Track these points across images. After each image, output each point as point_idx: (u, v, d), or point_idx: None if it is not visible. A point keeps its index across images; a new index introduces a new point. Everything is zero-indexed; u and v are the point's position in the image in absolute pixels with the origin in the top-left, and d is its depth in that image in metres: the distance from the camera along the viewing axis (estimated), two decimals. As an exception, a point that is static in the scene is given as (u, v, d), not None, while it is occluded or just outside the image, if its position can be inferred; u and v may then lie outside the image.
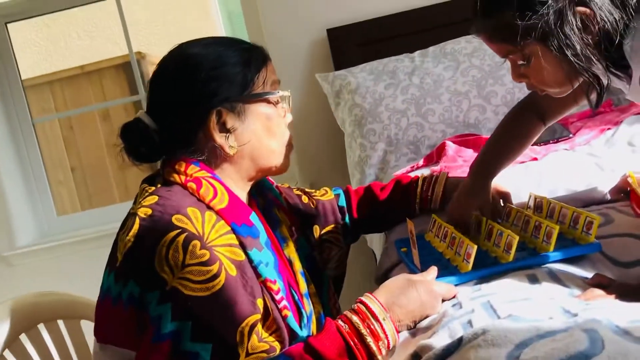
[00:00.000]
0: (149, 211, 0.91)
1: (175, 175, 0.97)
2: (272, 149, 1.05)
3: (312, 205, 1.27)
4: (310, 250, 1.18)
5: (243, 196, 1.06)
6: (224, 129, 0.99)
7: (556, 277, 0.99)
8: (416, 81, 1.96)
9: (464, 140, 1.72)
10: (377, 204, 1.34)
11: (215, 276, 0.88)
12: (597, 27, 0.96)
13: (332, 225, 1.28)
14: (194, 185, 0.96)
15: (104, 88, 4.32)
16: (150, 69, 4.60)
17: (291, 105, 1.10)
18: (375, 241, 1.68)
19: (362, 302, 0.93)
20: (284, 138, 1.07)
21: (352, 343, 0.89)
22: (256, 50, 1.05)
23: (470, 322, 0.85)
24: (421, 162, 1.72)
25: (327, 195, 1.32)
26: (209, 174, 0.99)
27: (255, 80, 1.01)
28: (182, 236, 0.88)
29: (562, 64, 0.98)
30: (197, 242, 0.88)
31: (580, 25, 0.96)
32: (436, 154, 1.69)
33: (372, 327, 0.90)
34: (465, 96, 1.90)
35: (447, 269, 1.08)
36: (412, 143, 1.91)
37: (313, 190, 1.33)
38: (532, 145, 1.57)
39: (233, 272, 0.90)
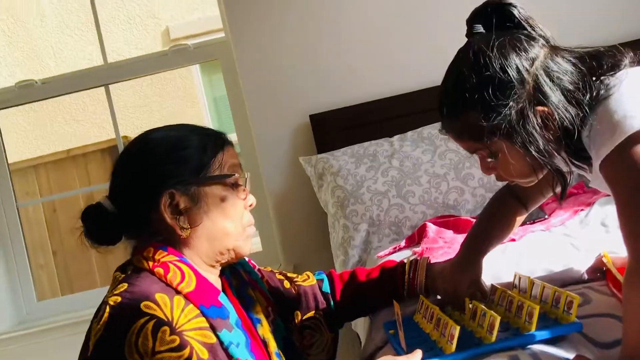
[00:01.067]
0: (118, 299, 0.92)
1: (144, 262, 0.99)
2: (227, 231, 1.05)
3: (294, 291, 1.28)
4: (287, 333, 1.18)
5: (212, 277, 1.07)
6: (177, 211, 1.01)
7: (538, 358, 1.00)
8: (396, 164, 2.02)
9: (444, 222, 1.76)
10: (362, 290, 1.33)
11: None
12: (555, 123, 1.02)
13: (313, 312, 1.28)
14: (161, 271, 0.97)
15: (89, 172, 4.36)
16: (135, 153, 4.64)
17: (248, 189, 1.11)
18: (359, 324, 1.68)
19: None
20: (241, 220, 1.08)
21: None
22: (216, 135, 1.09)
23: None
24: (403, 244, 1.75)
25: (308, 281, 1.32)
26: (177, 258, 1.01)
27: (211, 163, 1.04)
28: (151, 323, 0.89)
29: (526, 158, 1.04)
30: (166, 328, 0.89)
31: (540, 122, 1.02)
32: (417, 235, 1.72)
33: None
34: (444, 178, 1.95)
35: (432, 350, 1.08)
36: (393, 224, 1.94)
37: (295, 275, 1.33)
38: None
39: (205, 355, 0.91)
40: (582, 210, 1.65)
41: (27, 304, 2.62)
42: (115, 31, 5.46)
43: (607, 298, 1.20)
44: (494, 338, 1.04)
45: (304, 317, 1.26)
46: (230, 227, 1.06)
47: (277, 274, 1.31)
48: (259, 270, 1.26)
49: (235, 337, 0.98)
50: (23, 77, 2.70)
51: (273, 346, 1.10)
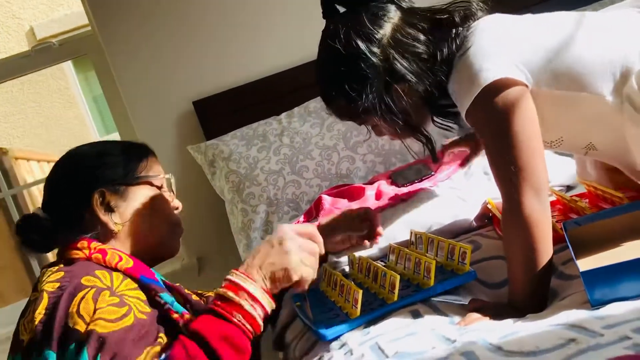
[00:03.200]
0: (57, 284, 0.95)
1: (79, 252, 1.04)
2: (155, 228, 1.15)
3: (202, 302, 1.26)
4: None
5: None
6: (109, 208, 1.10)
7: (437, 309, 1.04)
8: (286, 141, 2.02)
9: (339, 192, 1.78)
10: None
11: (127, 314, 0.92)
12: (415, 94, 1.11)
13: None
14: (99, 256, 1.03)
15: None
16: (14, 164, 4.35)
17: (175, 191, 1.22)
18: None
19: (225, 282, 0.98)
20: (168, 219, 1.18)
21: (220, 309, 0.92)
22: (139, 145, 1.21)
23: (361, 368, 0.87)
24: (302, 219, 1.76)
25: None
26: (112, 248, 1.07)
27: (137, 167, 1.15)
28: (92, 291, 0.93)
29: (397, 127, 1.14)
30: (106, 292, 0.94)
31: (399, 98, 1.10)
32: (315, 209, 1.73)
33: (233, 287, 0.95)
34: (334, 149, 1.98)
35: (338, 317, 1.10)
36: (291, 201, 1.94)
37: (204, 292, 1.36)
38: (399, 186, 1.67)
39: (143, 316, 0.95)
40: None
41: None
42: (-27, 36, 5.04)
43: (494, 241, 1.27)
44: (396, 297, 1.07)
45: None
46: (159, 225, 1.15)
47: (186, 289, 1.30)
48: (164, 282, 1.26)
49: (169, 298, 1.05)
50: None
51: None
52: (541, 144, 1.01)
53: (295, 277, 0.99)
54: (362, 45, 1.08)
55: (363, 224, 1.32)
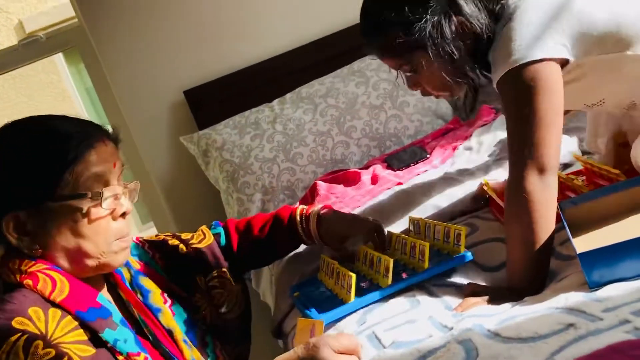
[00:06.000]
0: None
1: (11, 275, 0.92)
2: (83, 251, 0.95)
3: (191, 254, 1.23)
4: (187, 314, 1.14)
5: (93, 279, 1.00)
6: (24, 232, 0.93)
7: (434, 294, 1.03)
8: (279, 128, 1.99)
9: (334, 177, 1.77)
10: (259, 242, 1.31)
11: None
12: (469, 32, 1.09)
13: (215, 271, 1.24)
14: (30, 282, 0.90)
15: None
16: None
17: (121, 198, 0.99)
18: (267, 294, 1.67)
19: None
20: (104, 236, 0.96)
21: None
22: (80, 137, 0.95)
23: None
24: (297, 205, 1.74)
25: (205, 240, 1.27)
26: (46, 266, 0.93)
27: (65, 178, 0.92)
28: (23, 338, 0.83)
29: (444, 69, 1.11)
30: (39, 342, 0.84)
31: (455, 31, 1.08)
32: (310, 195, 1.71)
33: None
34: (328, 135, 1.95)
35: (334, 303, 1.09)
36: (287, 188, 1.93)
37: (190, 236, 1.27)
38: (394, 170, 1.65)
39: None
40: (460, 144, 1.71)
41: None
42: (-39, 32, 4.99)
43: (491, 223, 1.26)
44: (389, 281, 1.06)
45: (207, 279, 1.22)
46: (88, 246, 0.95)
47: (170, 240, 1.24)
48: (149, 247, 1.20)
49: (121, 334, 0.93)
50: None
51: (179, 333, 1.06)
52: (560, 128, 1.01)
53: None
54: None
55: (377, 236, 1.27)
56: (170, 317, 1.08)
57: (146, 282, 1.11)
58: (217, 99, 2.21)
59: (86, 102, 5.23)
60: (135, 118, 2.23)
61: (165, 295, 1.12)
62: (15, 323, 0.84)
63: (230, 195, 1.98)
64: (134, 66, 2.21)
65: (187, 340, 1.08)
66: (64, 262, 0.95)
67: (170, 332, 1.05)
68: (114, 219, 0.98)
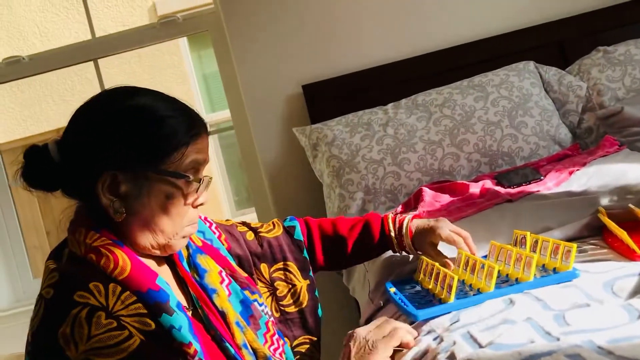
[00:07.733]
0: (51, 291, 0.90)
1: (76, 246, 0.95)
2: (162, 228, 0.98)
3: (258, 243, 1.25)
4: (244, 296, 1.12)
5: (150, 259, 1.03)
6: (116, 193, 0.95)
7: (531, 296, 1.01)
8: (390, 132, 2.01)
9: (440, 187, 1.77)
10: (346, 244, 1.32)
11: (128, 338, 0.86)
12: None
13: (281, 263, 1.25)
14: (93, 257, 0.93)
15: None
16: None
17: (202, 190, 1.01)
18: (357, 290, 1.69)
19: None
20: (181, 220, 1.00)
21: None
22: (192, 123, 0.99)
23: (453, 355, 0.86)
24: (399, 209, 1.76)
25: (274, 231, 1.29)
26: (109, 240, 0.95)
27: (171, 156, 0.96)
28: (85, 310, 0.86)
29: None
30: (101, 313, 0.87)
31: None
32: (414, 200, 1.72)
33: None
34: (439, 145, 1.95)
35: (432, 302, 1.10)
36: (389, 192, 1.95)
37: (260, 225, 1.29)
38: (505, 188, 1.63)
39: (143, 337, 0.88)
40: (577, 169, 1.66)
41: (23, 282, 2.62)
42: (101, 8, 5.38)
43: (602, 251, 1.21)
44: (492, 287, 1.06)
45: (271, 270, 1.24)
46: (167, 225, 0.98)
47: (238, 226, 1.26)
48: (216, 227, 1.22)
49: (176, 320, 0.93)
50: (9, 55, 2.65)
51: (232, 315, 1.06)
52: None
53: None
54: None
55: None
56: (225, 297, 1.07)
57: (204, 261, 1.10)
58: (333, 96, 2.27)
59: (202, 87, 5.49)
60: (254, 104, 2.33)
61: (223, 274, 1.12)
62: (77, 297, 0.87)
63: (333, 190, 2.02)
64: (260, 56, 2.32)
65: (241, 321, 1.07)
66: (135, 234, 0.97)
67: (223, 314, 1.05)
68: (194, 206, 1.02)
